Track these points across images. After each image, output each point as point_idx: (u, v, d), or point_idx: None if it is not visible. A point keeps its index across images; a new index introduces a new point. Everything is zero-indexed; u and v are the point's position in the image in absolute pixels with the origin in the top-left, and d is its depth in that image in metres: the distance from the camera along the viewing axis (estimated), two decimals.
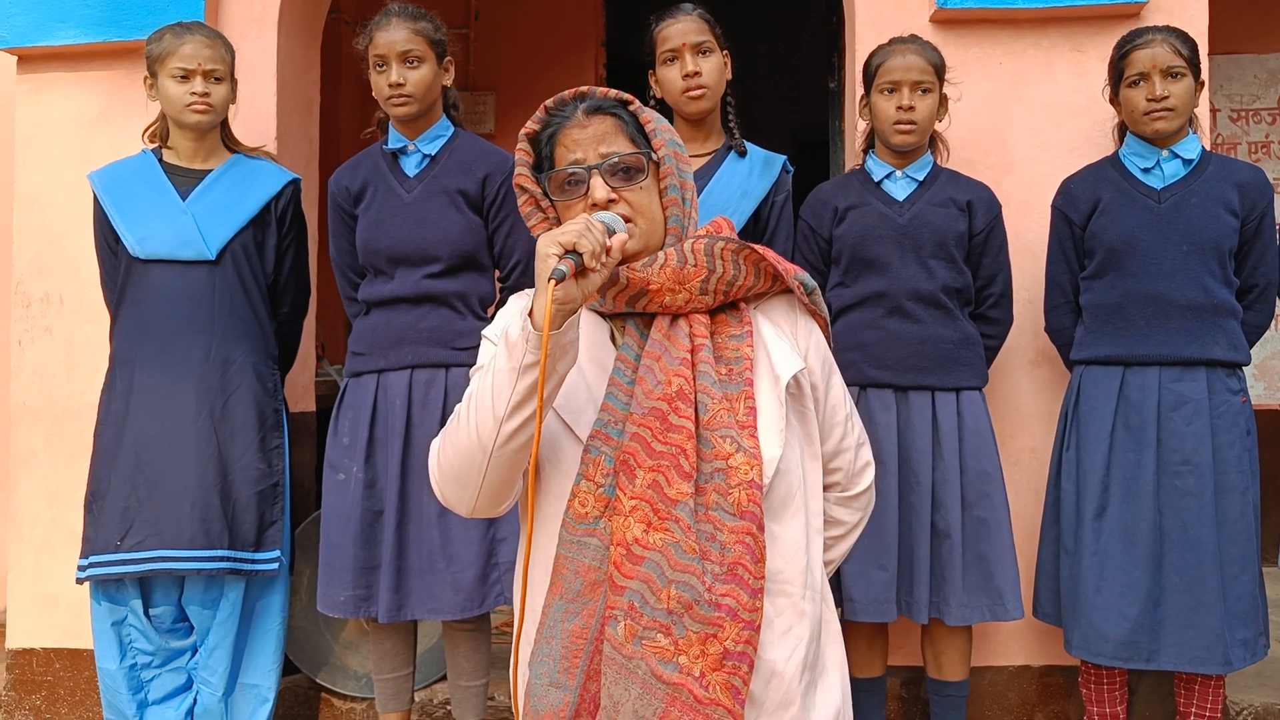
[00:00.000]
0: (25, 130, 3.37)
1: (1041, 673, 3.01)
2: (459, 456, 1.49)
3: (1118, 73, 2.71)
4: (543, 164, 1.61)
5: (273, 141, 3.23)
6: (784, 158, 2.81)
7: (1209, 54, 2.99)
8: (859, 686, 2.79)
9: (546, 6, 5.32)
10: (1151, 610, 2.56)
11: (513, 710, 1.55)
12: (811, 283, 1.62)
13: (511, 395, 1.42)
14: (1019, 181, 3.04)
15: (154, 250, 2.73)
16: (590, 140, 1.55)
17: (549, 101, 1.61)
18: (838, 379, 1.68)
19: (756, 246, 1.57)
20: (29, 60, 3.35)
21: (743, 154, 2.75)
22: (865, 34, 3.11)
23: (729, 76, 2.76)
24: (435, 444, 1.55)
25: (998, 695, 3.02)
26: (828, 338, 1.67)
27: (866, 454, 1.74)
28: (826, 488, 1.68)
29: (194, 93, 2.73)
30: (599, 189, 1.53)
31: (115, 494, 2.70)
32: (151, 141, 2.92)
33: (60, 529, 3.25)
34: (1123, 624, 2.57)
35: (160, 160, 2.86)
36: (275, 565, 2.79)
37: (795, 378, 1.55)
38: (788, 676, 1.48)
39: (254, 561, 2.77)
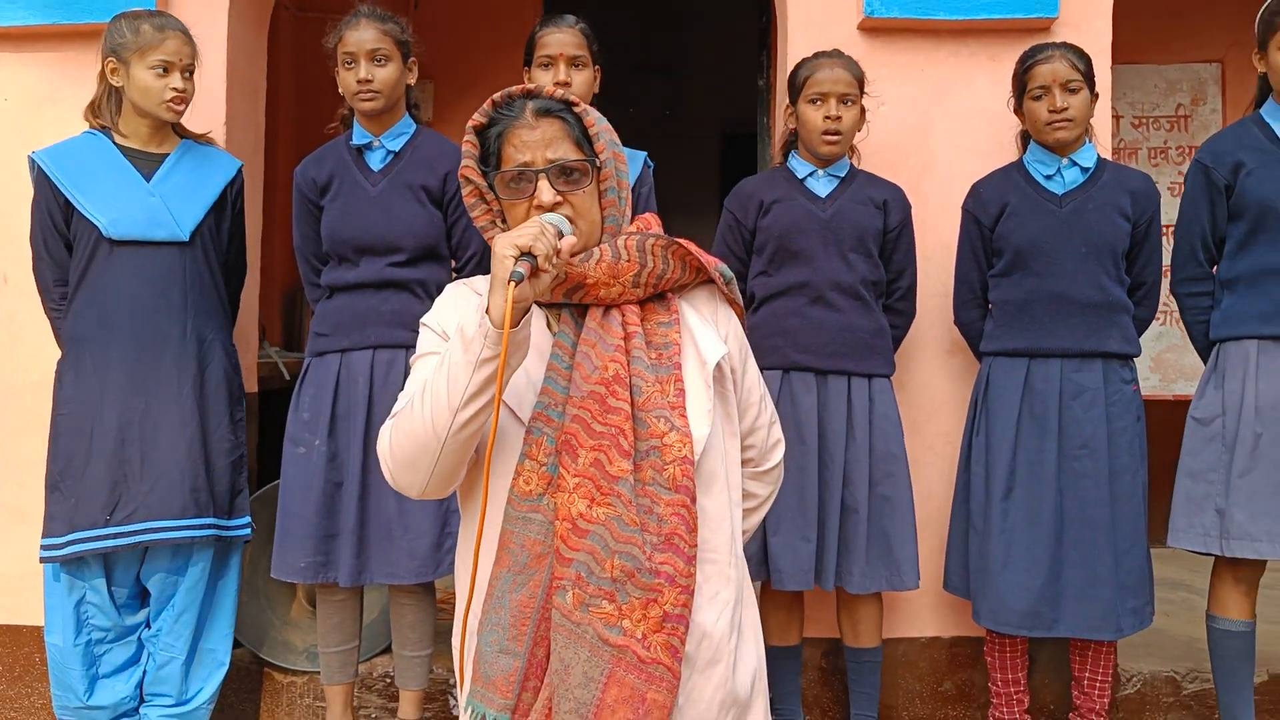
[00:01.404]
0: None
1: (951, 643, 3.21)
2: (412, 443, 1.57)
3: (1021, 85, 2.91)
4: (489, 158, 1.68)
5: (222, 126, 3.28)
6: (644, 154, 3.04)
7: (1112, 64, 3.22)
8: (777, 654, 2.98)
9: None
10: (1052, 583, 2.77)
11: (457, 678, 1.66)
12: (730, 274, 1.75)
13: (468, 387, 1.50)
14: (938, 181, 3.23)
15: (127, 231, 2.79)
16: (539, 143, 1.63)
17: (497, 97, 1.68)
18: (753, 362, 1.82)
19: (683, 241, 1.69)
20: None
21: None
22: (796, 38, 3.27)
23: (596, 90, 2.97)
24: (385, 430, 1.63)
25: (910, 664, 3.22)
26: (743, 324, 1.81)
27: (777, 432, 1.88)
28: (742, 464, 1.82)
29: (174, 88, 2.80)
30: (546, 192, 1.61)
31: (96, 471, 2.76)
32: (96, 118, 2.94)
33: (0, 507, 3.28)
34: (1027, 596, 2.78)
35: (113, 142, 2.91)
36: (248, 530, 2.94)
37: (719, 362, 1.69)
38: (717, 636, 1.62)
39: (230, 528, 2.90)
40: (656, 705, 1.53)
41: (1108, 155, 3.15)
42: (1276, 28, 2.70)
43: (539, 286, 1.51)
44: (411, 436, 1.57)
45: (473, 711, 1.58)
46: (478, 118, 1.69)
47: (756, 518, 1.93)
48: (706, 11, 7.39)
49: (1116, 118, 5.11)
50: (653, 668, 1.53)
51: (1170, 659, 3.24)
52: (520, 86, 1.70)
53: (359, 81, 2.83)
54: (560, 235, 1.55)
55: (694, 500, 1.58)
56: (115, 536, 2.75)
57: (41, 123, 3.32)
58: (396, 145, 2.92)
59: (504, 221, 1.70)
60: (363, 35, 2.83)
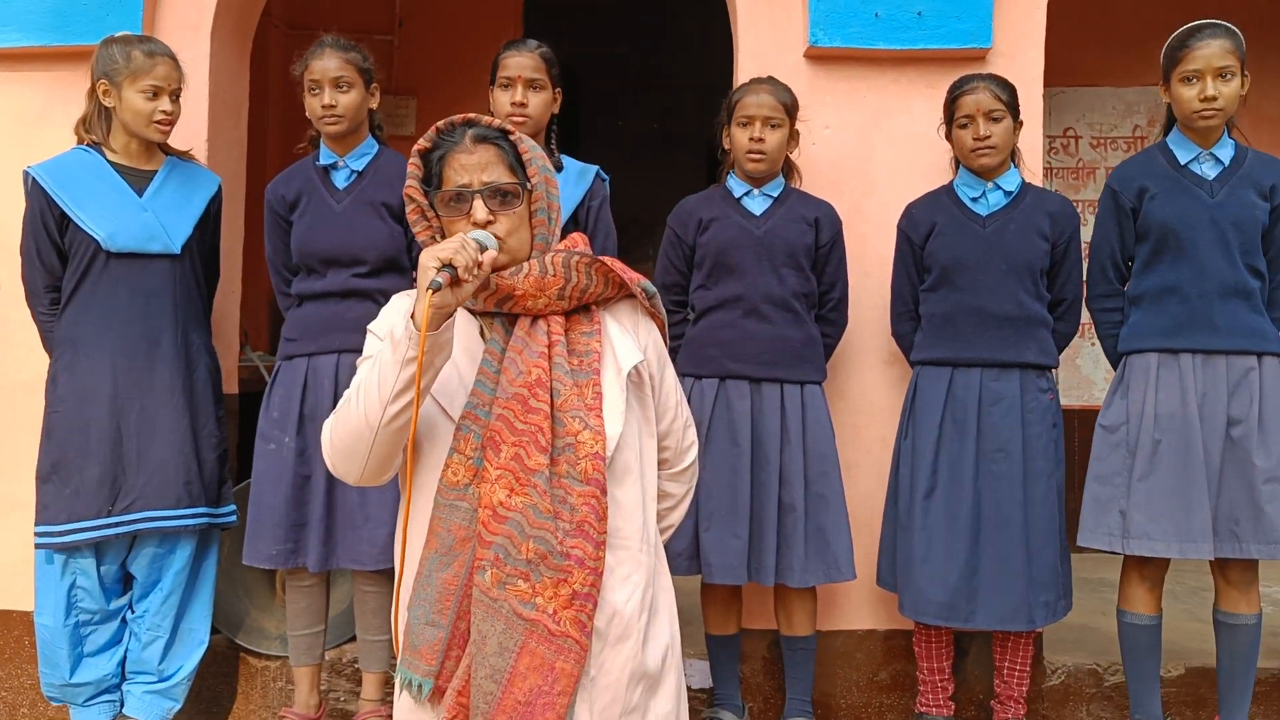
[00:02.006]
0: None
1: (885, 636, 3.40)
2: (349, 434, 1.77)
3: (950, 114, 3.11)
4: (431, 179, 1.87)
5: (204, 144, 3.47)
6: (596, 168, 3.23)
7: (1073, 86, 3.39)
8: (716, 643, 3.19)
9: (467, 15, 5.61)
10: (969, 578, 2.96)
11: (394, 648, 1.86)
12: (652, 289, 1.94)
13: (395, 384, 1.70)
14: (879, 201, 3.42)
15: (124, 244, 3.00)
16: (475, 166, 1.82)
17: (440, 124, 1.87)
18: (670, 370, 2.01)
19: (606, 259, 1.88)
20: None
21: (559, 168, 3.11)
22: (746, 65, 3.47)
23: (555, 110, 3.17)
24: (327, 424, 1.83)
25: (847, 656, 3.41)
26: (664, 335, 1.99)
27: (692, 435, 2.07)
28: (659, 464, 2.00)
29: (163, 110, 3.01)
30: (479, 210, 1.80)
31: (95, 466, 2.98)
32: (88, 133, 3.13)
33: None
34: (945, 589, 2.97)
35: (104, 158, 3.10)
36: (233, 517, 3.18)
37: (636, 367, 1.87)
38: (627, 614, 1.81)
39: (218, 516, 3.14)
40: (564, 674, 1.71)
41: (1037, 178, 3.34)
42: (1177, 62, 2.90)
43: (460, 295, 1.70)
44: (349, 428, 1.76)
45: (401, 677, 1.78)
46: (422, 142, 1.88)
47: (676, 515, 2.10)
48: (693, 29, 7.58)
49: (1075, 138, 5.31)
50: (562, 640, 1.72)
51: (1094, 653, 3.43)
52: (461, 116, 1.88)
53: (324, 107, 3.04)
54: (483, 249, 1.73)
55: (604, 492, 1.77)
56: (114, 525, 2.97)
57: (35, 139, 3.48)
58: (360, 165, 3.13)
59: (443, 237, 1.88)
60: (327, 64, 3.05)
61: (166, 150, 3.19)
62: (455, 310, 1.73)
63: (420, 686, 1.75)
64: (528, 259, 1.86)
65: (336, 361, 3.08)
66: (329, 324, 3.09)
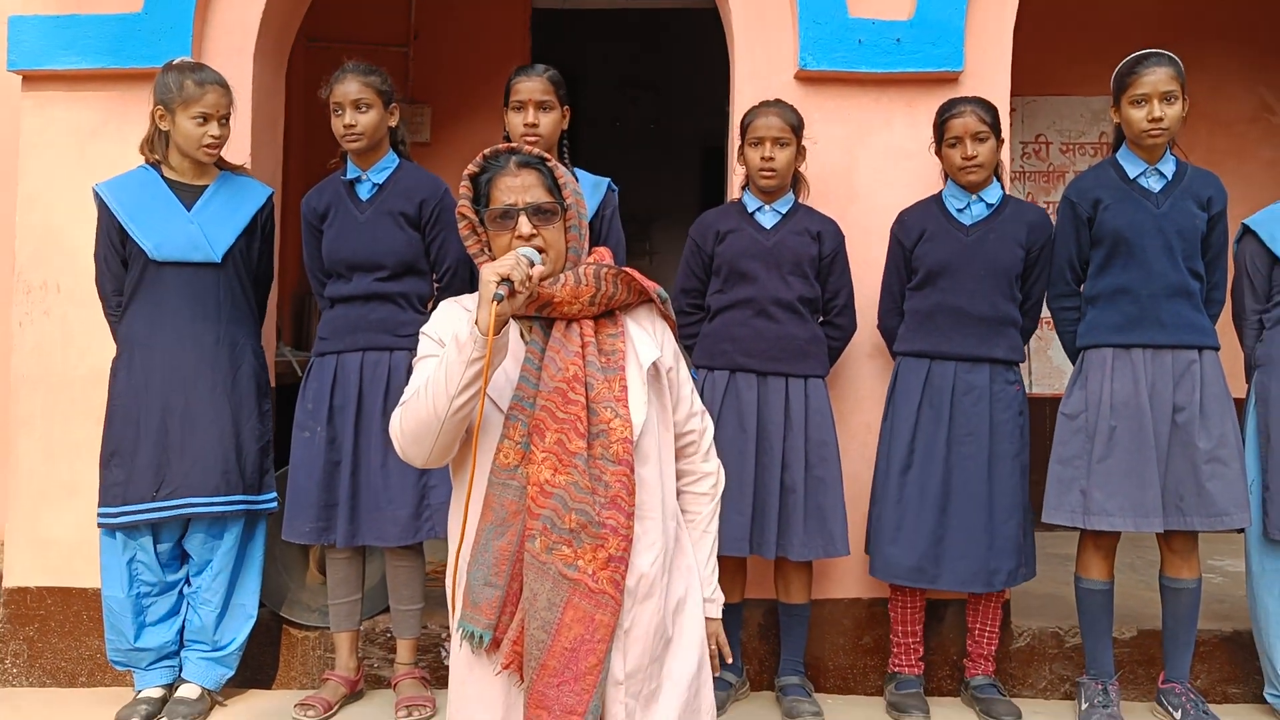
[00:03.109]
0: (29, 139, 3.84)
1: (870, 604, 3.74)
2: (418, 424, 2.06)
3: (940, 134, 3.45)
4: (480, 199, 2.18)
5: (248, 157, 3.78)
6: (608, 180, 3.56)
7: (1043, 96, 3.66)
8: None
9: (479, 28, 5.90)
10: (936, 545, 3.32)
11: (449, 609, 2.17)
12: (666, 295, 2.25)
13: (461, 379, 1.99)
14: (862, 210, 3.75)
15: (169, 254, 3.33)
16: (520, 188, 2.12)
17: (487, 151, 2.18)
18: (683, 365, 2.30)
19: (629, 270, 2.19)
20: (34, 79, 3.81)
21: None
22: (743, 86, 3.80)
23: (564, 127, 3.50)
24: (396, 415, 2.11)
25: (836, 621, 3.76)
26: (675, 335, 2.30)
27: (707, 420, 2.35)
28: (689, 446, 2.29)
29: (211, 135, 3.33)
30: (524, 226, 2.10)
31: (144, 454, 3.31)
32: (152, 153, 3.44)
33: (54, 482, 3.76)
34: (913, 554, 3.33)
35: (161, 175, 3.43)
36: (274, 504, 3.48)
37: (654, 363, 2.19)
38: (651, 576, 2.12)
39: (258, 502, 3.45)
40: (602, 624, 2.03)
41: (1007, 186, 3.69)
42: (1126, 87, 3.25)
43: (515, 304, 2.01)
44: (417, 419, 2.06)
45: (463, 631, 2.09)
46: (472, 168, 2.18)
47: (720, 487, 2.35)
48: (688, 35, 7.90)
49: (1047, 144, 5.66)
50: (600, 596, 2.03)
51: (1057, 618, 3.77)
52: (505, 145, 2.21)
53: (345, 126, 3.36)
54: (532, 265, 2.04)
55: (633, 470, 2.08)
56: (160, 510, 3.30)
57: (90, 152, 3.80)
58: (380, 178, 3.45)
59: (490, 249, 2.19)
60: (348, 87, 3.37)
61: (222, 165, 3.51)
62: (510, 317, 2.04)
63: (481, 638, 2.07)
64: (564, 270, 2.16)
65: (361, 359, 3.41)
66: (355, 325, 3.41)
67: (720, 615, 2.31)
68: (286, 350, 4.63)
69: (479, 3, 5.92)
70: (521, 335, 2.18)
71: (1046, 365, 5.66)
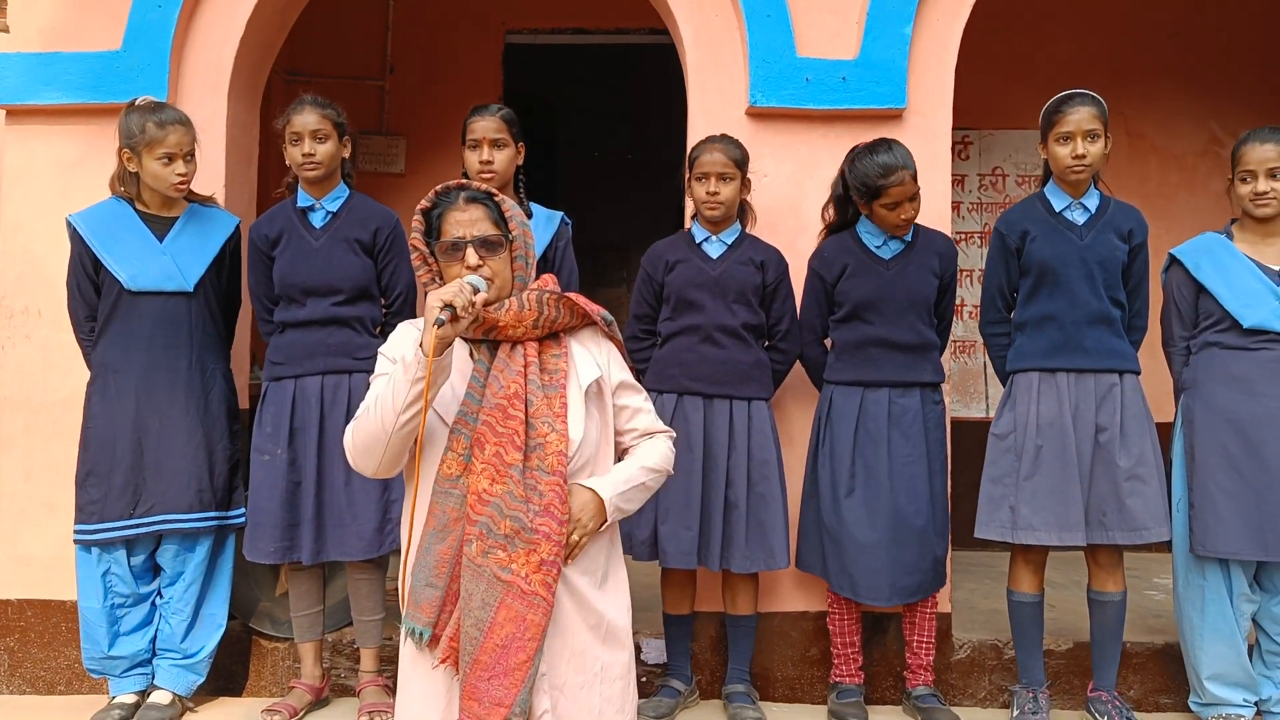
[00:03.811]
0: (11, 171, 4.01)
1: (815, 617, 3.89)
2: (368, 437, 2.23)
3: (873, 193, 3.46)
4: (432, 231, 2.35)
5: (222, 189, 3.96)
6: (561, 214, 3.74)
7: (999, 129, 3.73)
8: (673, 622, 3.70)
9: (453, 61, 6.07)
10: (891, 564, 3.45)
11: (401, 615, 2.32)
12: (610, 318, 2.42)
13: (406, 398, 2.16)
14: (811, 239, 3.87)
15: (143, 284, 3.49)
16: (468, 222, 2.30)
17: (439, 187, 2.35)
18: (629, 378, 2.45)
19: (571, 295, 2.36)
20: (16, 114, 3.99)
21: (529, 215, 3.58)
22: (697, 121, 3.99)
23: (519, 162, 3.67)
24: (349, 429, 2.29)
25: (783, 633, 3.90)
26: (623, 354, 2.46)
27: (658, 423, 2.49)
28: (631, 433, 2.44)
29: (178, 173, 3.49)
30: (471, 256, 2.28)
31: (120, 474, 3.46)
32: (123, 188, 3.58)
33: (33, 500, 3.91)
34: (868, 574, 3.47)
35: (133, 207, 3.58)
36: (243, 519, 3.62)
37: (596, 382, 2.36)
38: (583, 580, 2.28)
39: (228, 518, 3.61)
40: (533, 624, 2.18)
41: (945, 218, 3.87)
42: (1052, 124, 3.44)
43: (458, 328, 2.17)
44: (367, 432, 2.23)
45: (406, 628, 2.26)
46: (424, 203, 2.35)
47: (664, 465, 2.44)
48: (661, 67, 8.09)
49: (1003, 176, 5.86)
50: (532, 598, 2.18)
51: (995, 631, 3.93)
52: (455, 181, 2.37)
53: (304, 155, 3.53)
54: (476, 291, 2.21)
55: (566, 481, 2.24)
56: (136, 526, 3.46)
57: (71, 183, 3.96)
58: (334, 206, 3.62)
59: (441, 278, 2.35)
60: (306, 118, 3.54)
61: (190, 197, 3.67)
62: (455, 340, 2.21)
63: (421, 634, 2.24)
64: (509, 296, 2.33)
65: (321, 382, 3.55)
66: (313, 349, 3.55)
67: (605, 498, 2.30)
68: (259, 372, 4.77)
69: (454, 37, 6.11)
70: (471, 355, 2.34)
71: (997, 389, 5.81)
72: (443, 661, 2.24)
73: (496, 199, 2.36)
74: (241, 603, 3.92)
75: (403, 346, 2.34)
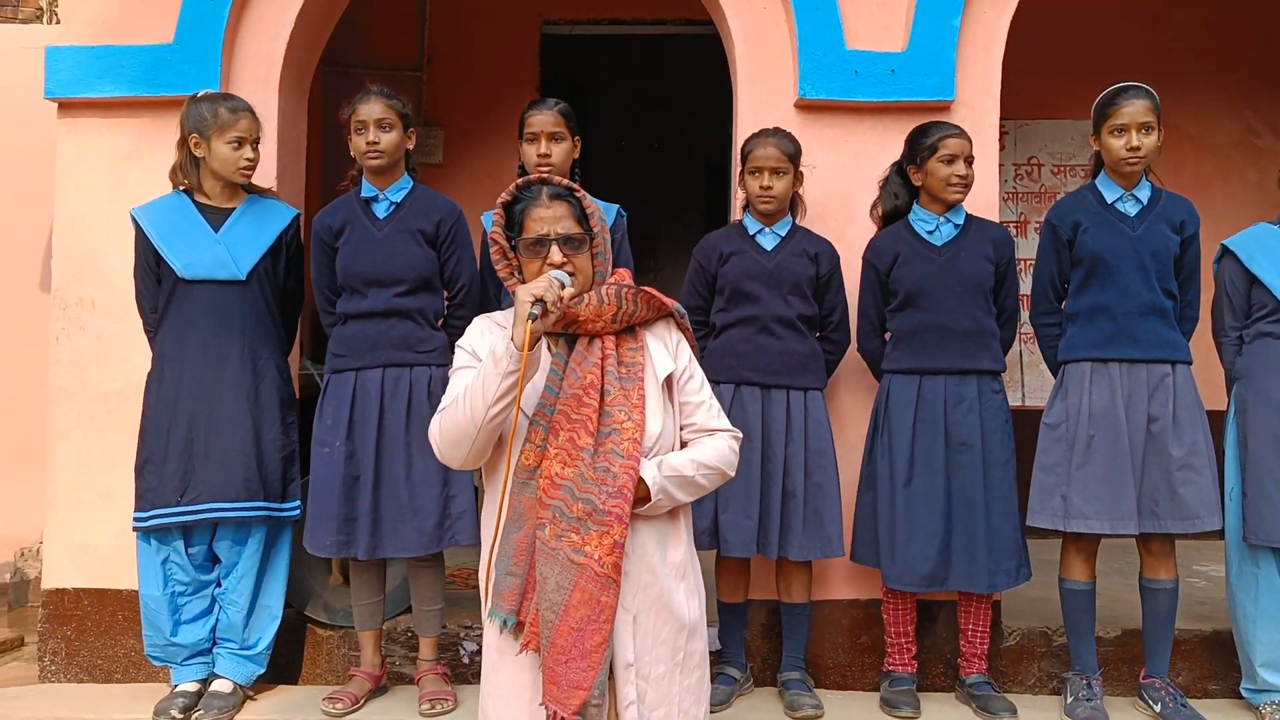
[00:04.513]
0: (65, 163, 4.04)
1: (866, 604, 3.93)
2: (456, 429, 2.26)
3: (929, 149, 3.58)
4: (513, 226, 2.37)
5: (273, 182, 3.98)
6: (617, 206, 3.74)
7: (1035, 119, 3.78)
8: (728, 610, 3.74)
9: (489, 53, 6.10)
10: (944, 551, 3.50)
11: (482, 603, 2.36)
12: (684, 310, 2.46)
13: (497, 390, 2.19)
14: (859, 231, 3.92)
15: (197, 272, 3.53)
16: (552, 219, 2.32)
17: (520, 181, 2.39)
18: (699, 372, 2.47)
19: (648, 289, 2.39)
20: (69, 107, 4.02)
21: None
22: (745, 115, 4.01)
23: (576, 155, 3.69)
24: (435, 420, 2.31)
25: (834, 621, 3.95)
26: (692, 346, 2.48)
27: (725, 421, 2.48)
28: (689, 427, 2.43)
29: (246, 158, 3.54)
30: (556, 254, 2.31)
31: (172, 461, 3.50)
32: (184, 179, 3.62)
33: (90, 490, 3.96)
34: (927, 563, 3.51)
35: (192, 199, 3.63)
36: (297, 512, 3.65)
37: (669, 375, 2.40)
38: (655, 563, 2.30)
39: (281, 510, 3.63)
40: (607, 605, 2.21)
41: (994, 208, 3.89)
42: (1106, 117, 3.46)
43: (547, 322, 2.21)
44: (456, 425, 2.26)
45: (493, 618, 2.29)
46: (505, 196, 2.38)
47: (720, 463, 2.41)
48: (692, 55, 8.10)
49: (1039, 166, 5.88)
50: (604, 580, 2.20)
51: (1045, 619, 3.96)
52: (537, 175, 2.41)
53: (368, 144, 3.54)
54: (563, 286, 2.25)
55: (639, 465, 2.25)
56: (185, 514, 3.50)
57: (124, 176, 4.00)
58: (398, 197, 3.64)
59: (520, 273, 2.39)
60: (372, 107, 3.56)
61: (250, 189, 3.72)
62: (543, 334, 2.24)
63: (506, 622, 2.27)
64: (589, 291, 2.36)
65: (381, 375, 3.56)
66: (375, 342, 3.56)
67: (648, 476, 2.27)
68: (308, 363, 4.82)
69: (490, 27, 6.14)
70: (549, 349, 2.37)
71: (1039, 379, 5.85)
72: (524, 647, 2.27)
73: (579, 195, 2.39)
74: (297, 591, 3.97)
75: (482, 340, 2.37)
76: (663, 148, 8.90)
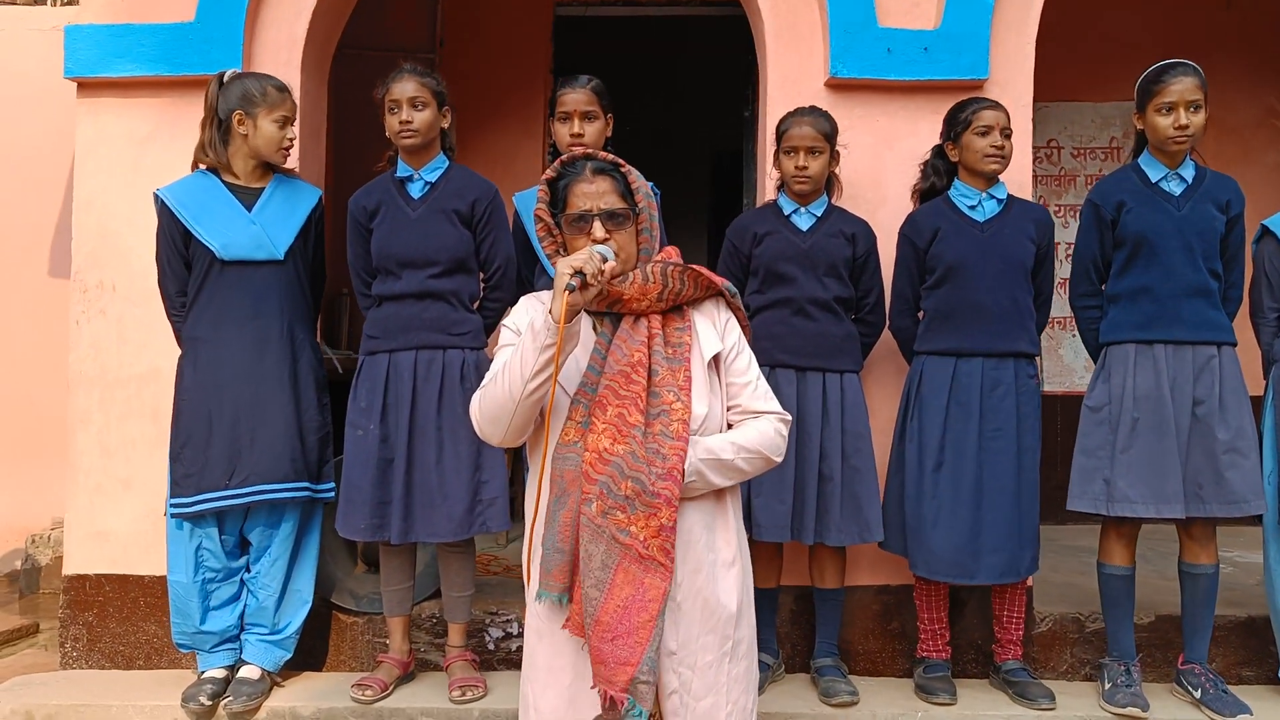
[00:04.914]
0: (84, 144, 3.98)
1: (897, 590, 3.89)
2: (495, 405, 2.22)
3: (964, 124, 3.54)
4: (557, 202, 2.33)
5: (296, 163, 3.91)
6: (651, 184, 3.63)
7: (1055, 102, 3.77)
8: (758, 595, 3.59)
9: (502, 37, 6.05)
10: (973, 540, 3.45)
11: (525, 582, 2.32)
12: (735, 290, 2.40)
13: (535, 365, 2.14)
14: (890, 212, 3.88)
15: (235, 253, 3.47)
16: (595, 194, 2.28)
17: (564, 157, 2.33)
18: (747, 351, 2.42)
19: (696, 266, 2.33)
20: (88, 86, 3.95)
21: None
22: (775, 94, 3.95)
23: (609, 134, 3.62)
24: (475, 397, 2.27)
25: (865, 606, 3.91)
26: (744, 326, 2.43)
27: (774, 404, 2.43)
28: (735, 409, 2.37)
29: (290, 138, 3.51)
30: (599, 230, 2.26)
31: (216, 445, 3.44)
32: (210, 157, 3.55)
33: (110, 476, 3.91)
34: (953, 550, 3.46)
35: (220, 179, 3.57)
36: (332, 493, 3.60)
37: (716, 354, 2.34)
38: (701, 549, 2.25)
39: (319, 491, 3.58)
40: (652, 587, 2.15)
41: (1027, 188, 3.84)
42: (1152, 95, 3.40)
43: (587, 296, 2.16)
44: (495, 401, 2.22)
45: (541, 598, 2.23)
46: (550, 172, 2.34)
47: (763, 447, 2.34)
48: (703, 40, 8.04)
49: (1059, 149, 5.83)
50: (649, 562, 2.15)
51: (1077, 604, 3.93)
52: (581, 150, 2.36)
53: (401, 123, 3.48)
54: (604, 260, 2.19)
55: (688, 446, 2.21)
56: (233, 497, 3.44)
57: (144, 157, 3.95)
58: (433, 177, 3.57)
59: (565, 249, 2.34)
60: (405, 86, 3.50)
61: (274, 169, 3.66)
62: (582, 308, 2.19)
63: (561, 600, 2.22)
64: (634, 268, 2.31)
65: (415, 357, 3.49)
66: (408, 324, 3.50)
67: (688, 460, 2.22)
68: (328, 349, 4.76)
69: (503, 9, 6.08)
70: (594, 328, 2.33)
71: (1058, 364, 5.82)
72: (566, 624, 2.22)
73: (624, 170, 2.33)
74: (322, 578, 3.91)
75: (526, 318, 2.32)
76: (671, 134, 8.84)
